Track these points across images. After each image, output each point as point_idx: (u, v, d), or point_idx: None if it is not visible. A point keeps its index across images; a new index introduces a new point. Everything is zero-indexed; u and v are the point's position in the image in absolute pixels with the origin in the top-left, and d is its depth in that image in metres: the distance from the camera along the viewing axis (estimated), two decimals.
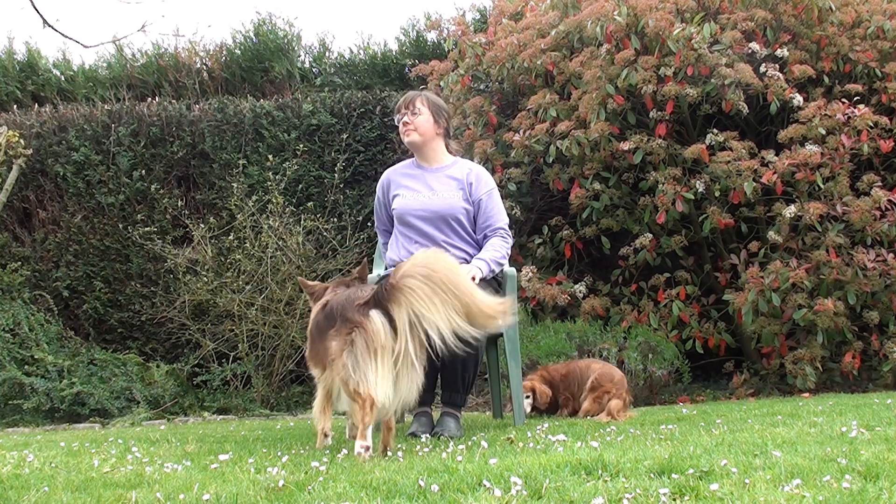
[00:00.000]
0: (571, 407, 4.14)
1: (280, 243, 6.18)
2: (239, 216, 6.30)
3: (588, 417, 3.89)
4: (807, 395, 4.80)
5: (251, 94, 7.98)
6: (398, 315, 2.56)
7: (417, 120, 3.52)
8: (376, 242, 3.84)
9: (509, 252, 3.56)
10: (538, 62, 5.72)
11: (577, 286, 5.54)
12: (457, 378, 3.22)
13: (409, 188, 3.54)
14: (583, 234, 5.75)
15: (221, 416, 5.76)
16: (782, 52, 5.46)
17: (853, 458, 1.93)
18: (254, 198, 6.32)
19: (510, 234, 3.60)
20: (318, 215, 6.41)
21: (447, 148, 3.65)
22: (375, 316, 2.58)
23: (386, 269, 3.60)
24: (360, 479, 1.92)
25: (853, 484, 1.67)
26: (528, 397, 4.05)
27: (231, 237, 6.28)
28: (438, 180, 3.55)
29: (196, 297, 6.27)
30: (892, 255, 4.98)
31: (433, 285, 2.54)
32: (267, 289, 6.17)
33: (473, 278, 3.26)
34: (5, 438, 4.31)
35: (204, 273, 6.24)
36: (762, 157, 5.18)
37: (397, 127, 3.63)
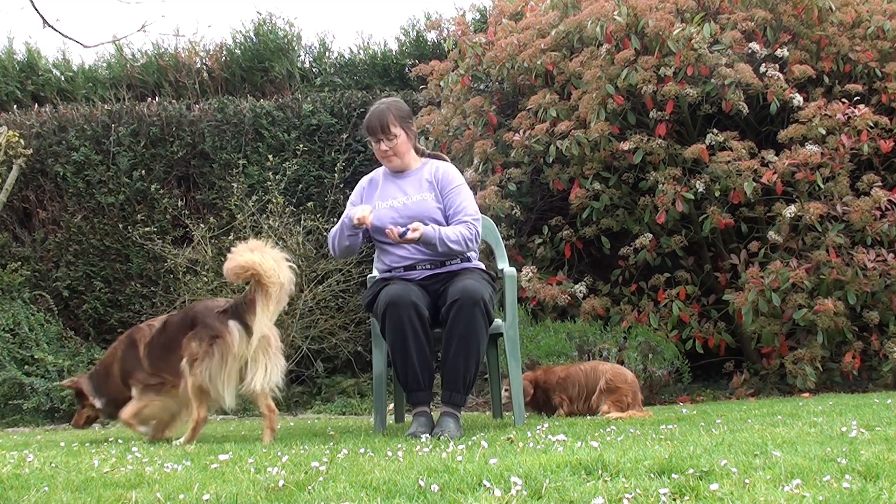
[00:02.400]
0: (568, 409, 4.15)
1: (280, 243, 6.17)
2: (239, 216, 6.30)
3: (604, 417, 3.90)
4: (807, 395, 4.80)
5: (251, 94, 7.98)
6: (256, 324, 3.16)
7: (395, 144, 3.43)
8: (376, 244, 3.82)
9: (469, 243, 3.34)
10: (538, 62, 5.72)
11: (577, 286, 5.54)
12: (458, 377, 3.21)
13: (379, 201, 3.49)
14: (583, 234, 5.75)
15: (221, 416, 5.75)
16: (782, 52, 5.46)
17: (853, 458, 1.93)
18: (254, 198, 6.32)
19: (478, 227, 3.40)
20: (318, 215, 6.41)
21: (416, 151, 3.59)
22: (234, 326, 3.17)
23: (379, 274, 3.57)
24: (360, 479, 1.92)
25: (853, 484, 1.67)
26: (506, 390, 4.06)
27: (231, 237, 6.27)
28: (411, 184, 3.48)
29: (196, 298, 6.26)
30: (892, 255, 4.99)
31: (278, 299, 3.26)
32: None
33: (415, 231, 3.20)
34: (5, 438, 4.31)
35: (204, 273, 6.24)
36: (762, 157, 5.18)
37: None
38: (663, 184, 5.29)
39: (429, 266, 3.40)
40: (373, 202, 3.49)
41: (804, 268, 4.92)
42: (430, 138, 6.21)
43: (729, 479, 1.76)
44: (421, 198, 3.44)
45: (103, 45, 10.95)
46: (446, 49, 6.72)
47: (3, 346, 5.90)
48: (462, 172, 4.07)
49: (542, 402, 4.26)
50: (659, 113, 5.37)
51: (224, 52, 8.58)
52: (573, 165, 5.64)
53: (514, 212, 5.64)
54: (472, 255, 3.52)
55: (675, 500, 1.63)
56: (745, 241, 5.49)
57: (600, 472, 1.89)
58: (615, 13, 5.42)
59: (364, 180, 3.65)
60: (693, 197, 5.25)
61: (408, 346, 3.17)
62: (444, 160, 3.64)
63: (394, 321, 3.16)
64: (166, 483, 1.99)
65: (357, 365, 6.52)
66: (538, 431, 2.97)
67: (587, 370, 4.20)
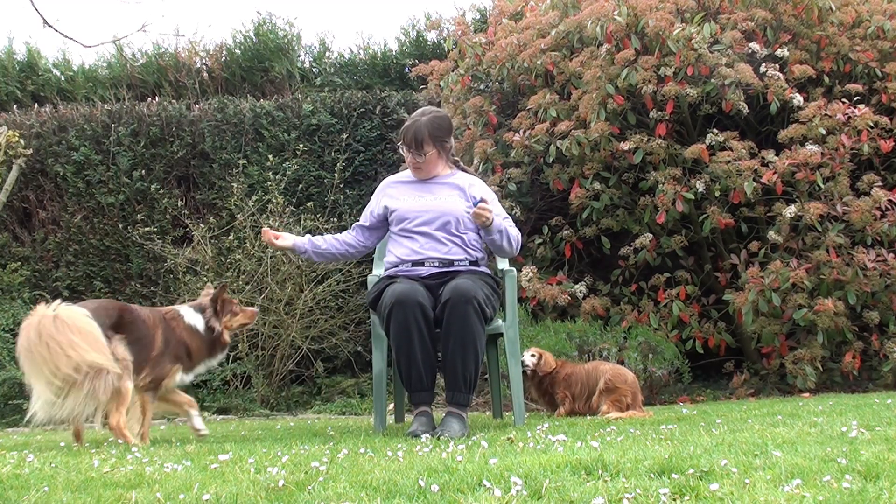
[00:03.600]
0: (569, 407, 4.16)
1: None
2: (239, 216, 6.30)
3: (604, 417, 3.90)
4: (807, 395, 4.81)
5: (251, 94, 7.98)
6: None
7: (424, 161, 3.54)
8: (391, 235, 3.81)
9: (517, 248, 3.53)
10: (538, 62, 5.72)
11: (577, 286, 5.54)
12: (458, 376, 3.21)
13: (409, 194, 3.56)
14: (583, 234, 5.75)
15: (221, 416, 5.76)
16: (782, 52, 5.47)
17: (853, 458, 1.93)
18: (254, 198, 6.32)
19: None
20: (318, 215, 6.41)
21: (447, 163, 3.67)
22: None
23: (385, 270, 3.59)
24: (360, 479, 1.92)
25: (853, 484, 1.67)
26: (533, 356, 4.25)
27: (231, 237, 6.28)
28: (440, 188, 3.57)
29: (196, 298, 6.26)
30: (892, 255, 4.99)
31: (34, 358, 2.97)
32: (267, 289, 6.17)
33: (487, 211, 3.28)
34: (5, 438, 4.31)
35: (204, 273, 6.24)
36: (762, 157, 5.18)
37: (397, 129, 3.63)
38: (663, 184, 5.29)
39: (437, 263, 3.42)
40: (402, 196, 3.58)
41: (804, 268, 4.92)
42: None
43: (729, 479, 1.76)
44: (450, 199, 3.52)
45: (103, 44, 10.98)
46: (446, 49, 6.72)
47: (3, 346, 5.90)
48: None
49: (546, 392, 4.28)
50: (659, 113, 5.37)
51: (224, 52, 8.59)
52: (573, 165, 5.64)
53: (514, 212, 5.64)
54: (482, 260, 3.55)
55: (675, 500, 1.63)
56: (745, 241, 5.49)
57: (600, 472, 1.89)
58: (615, 13, 5.42)
59: (389, 181, 3.73)
60: (693, 197, 5.25)
61: (412, 345, 3.17)
62: (475, 176, 3.76)
63: (399, 320, 3.17)
64: (166, 483, 1.99)
65: (357, 365, 6.52)
66: (538, 431, 2.97)
67: (589, 369, 4.23)
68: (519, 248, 3.55)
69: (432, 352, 3.23)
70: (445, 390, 3.27)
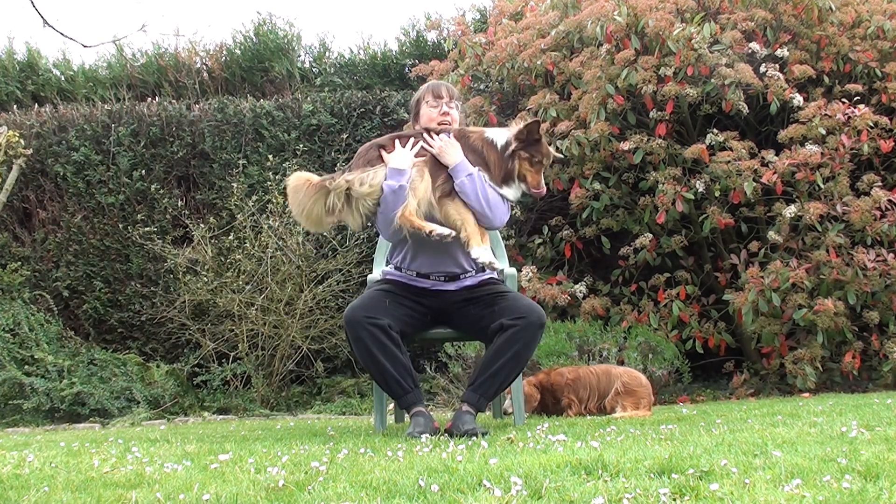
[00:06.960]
0: (577, 410, 4.14)
1: (280, 243, 6.18)
2: (239, 216, 6.30)
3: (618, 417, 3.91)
4: (807, 395, 4.81)
5: (251, 94, 7.98)
6: None
7: (452, 118, 3.44)
8: (376, 242, 3.82)
9: (504, 212, 3.28)
10: (538, 62, 5.72)
11: (577, 286, 5.54)
12: (495, 388, 3.16)
13: None
14: (583, 234, 5.75)
15: (221, 416, 5.76)
16: (782, 52, 5.47)
17: (853, 458, 1.93)
18: (254, 198, 6.32)
19: (510, 210, 3.38)
20: None
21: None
22: None
23: (385, 273, 3.57)
24: (360, 479, 1.92)
25: (853, 484, 1.67)
26: (508, 395, 4.03)
27: (231, 237, 6.28)
28: None
29: (196, 297, 6.26)
30: (892, 255, 4.98)
31: None
32: (267, 289, 6.17)
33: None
34: (5, 438, 4.31)
35: (204, 273, 6.24)
36: (762, 157, 5.18)
37: (416, 109, 3.49)
38: (663, 184, 5.29)
39: (443, 279, 3.37)
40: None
41: (804, 268, 4.92)
42: None
43: (729, 479, 1.76)
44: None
45: (103, 44, 11.00)
46: (446, 49, 6.72)
47: (3, 346, 5.90)
48: None
49: (550, 403, 4.26)
50: (659, 113, 5.37)
51: (224, 52, 8.59)
52: (573, 165, 5.64)
53: (514, 212, 5.64)
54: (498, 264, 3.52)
55: (675, 500, 1.63)
56: (745, 241, 5.49)
57: (600, 472, 1.89)
58: (615, 13, 5.42)
59: None
60: (693, 197, 5.26)
61: (377, 359, 3.11)
62: None
63: (354, 338, 3.15)
64: (166, 483, 1.99)
65: (357, 365, 6.52)
66: (538, 431, 2.97)
67: (599, 373, 4.19)
68: (499, 214, 3.25)
69: (401, 355, 3.15)
70: (471, 388, 3.19)
